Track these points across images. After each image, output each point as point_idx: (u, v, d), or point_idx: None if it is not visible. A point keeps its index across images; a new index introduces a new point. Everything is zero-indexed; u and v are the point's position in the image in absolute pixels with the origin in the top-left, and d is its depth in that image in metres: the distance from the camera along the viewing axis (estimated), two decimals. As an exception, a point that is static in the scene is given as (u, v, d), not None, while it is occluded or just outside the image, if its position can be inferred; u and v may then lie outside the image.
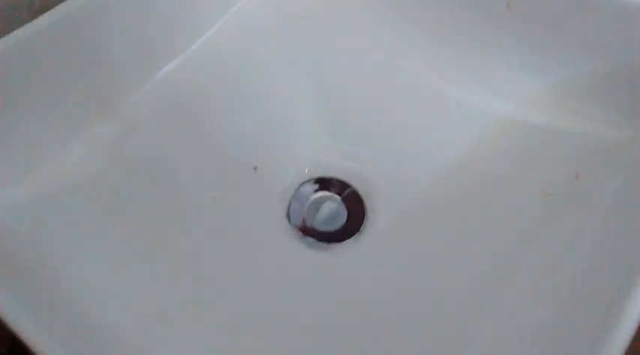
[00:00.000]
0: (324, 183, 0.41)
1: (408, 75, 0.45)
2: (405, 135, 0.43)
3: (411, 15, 0.46)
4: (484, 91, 0.43)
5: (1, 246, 0.32)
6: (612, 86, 0.39)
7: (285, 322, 0.34)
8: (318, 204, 0.40)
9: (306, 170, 0.41)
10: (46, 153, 0.37)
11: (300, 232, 0.38)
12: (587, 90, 0.40)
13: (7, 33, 0.34)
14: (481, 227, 0.37)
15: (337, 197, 0.40)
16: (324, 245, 0.38)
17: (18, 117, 0.35)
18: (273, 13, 0.46)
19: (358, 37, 0.47)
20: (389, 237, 0.38)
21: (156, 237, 0.36)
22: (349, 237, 0.38)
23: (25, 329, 0.26)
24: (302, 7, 0.47)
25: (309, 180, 0.41)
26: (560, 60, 0.40)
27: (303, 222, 0.39)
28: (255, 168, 0.40)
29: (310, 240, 0.38)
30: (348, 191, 0.40)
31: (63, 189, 0.36)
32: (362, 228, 0.39)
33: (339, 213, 0.40)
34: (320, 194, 0.40)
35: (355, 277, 0.37)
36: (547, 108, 0.41)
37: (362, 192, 0.40)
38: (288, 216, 0.39)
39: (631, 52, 0.38)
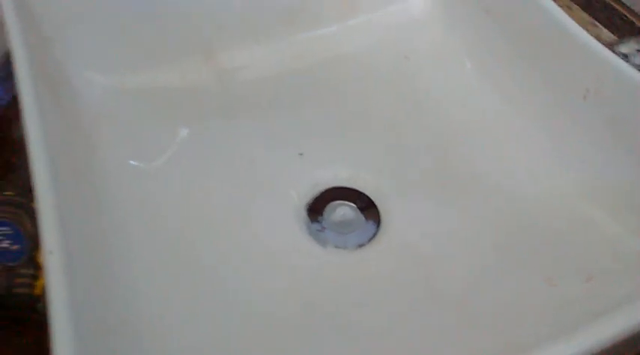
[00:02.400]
0: (351, 193, 0.44)
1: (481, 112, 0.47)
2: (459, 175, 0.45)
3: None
4: (543, 162, 0.44)
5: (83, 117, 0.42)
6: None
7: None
8: (336, 207, 0.43)
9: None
10: (142, 69, 0.47)
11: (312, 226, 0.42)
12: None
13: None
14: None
15: (356, 207, 0.43)
16: (325, 242, 0.41)
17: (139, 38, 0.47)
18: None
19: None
20: (389, 258, 0.41)
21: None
22: (354, 246, 0.41)
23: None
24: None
25: (340, 187, 0.44)
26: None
27: (318, 217, 0.42)
28: (300, 154, 0.44)
29: (316, 226, 0.42)
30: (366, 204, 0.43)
31: (143, 92, 0.46)
32: (369, 241, 0.41)
33: (355, 223, 0.42)
34: (343, 201, 0.43)
35: (339, 282, 0.40)
36: (598, 201, 0.41)
37: (383, 209, 0.43)
38: (307, 208, 0.43)
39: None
